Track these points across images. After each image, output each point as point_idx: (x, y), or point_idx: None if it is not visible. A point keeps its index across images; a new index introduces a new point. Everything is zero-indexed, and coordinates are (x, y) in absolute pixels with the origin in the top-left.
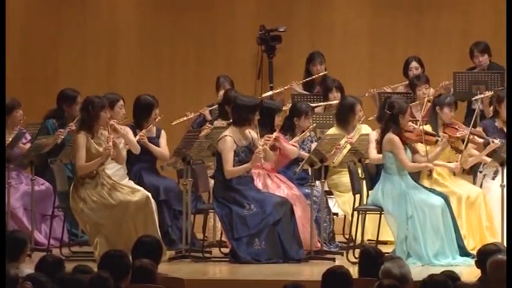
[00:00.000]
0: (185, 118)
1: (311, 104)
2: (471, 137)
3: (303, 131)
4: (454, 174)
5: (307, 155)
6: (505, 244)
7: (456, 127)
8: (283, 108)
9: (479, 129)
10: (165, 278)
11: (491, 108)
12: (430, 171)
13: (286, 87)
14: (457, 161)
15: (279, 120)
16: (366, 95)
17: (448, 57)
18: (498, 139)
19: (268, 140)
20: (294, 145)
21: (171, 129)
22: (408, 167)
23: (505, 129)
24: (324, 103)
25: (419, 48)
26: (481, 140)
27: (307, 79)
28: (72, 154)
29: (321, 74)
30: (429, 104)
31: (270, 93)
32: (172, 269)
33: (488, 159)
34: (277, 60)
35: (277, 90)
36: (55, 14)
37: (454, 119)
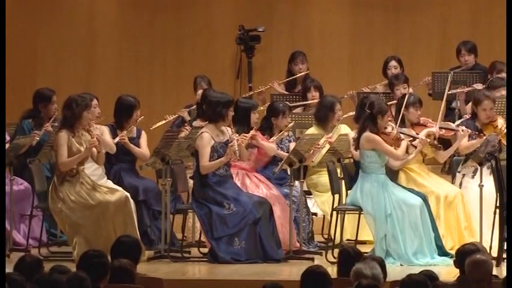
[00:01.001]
0: (164, 122)
1: (290, 104)
2: (441, 131)
3: (281, 131)
4: (435, 139)
5: (286, 154)
6: (483, 244)
7: (426, 124)
8: (262, 108)
9: (463, 127)
10: (144, 278)
11: (468, 106)
12: (434, 145)
13: (267, 87)
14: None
15: (255, 118)
16: (345, 96)
17: (427, 57)
18: (465, 127)
19: (244, 138)
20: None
21: (151, 130)
22: (397, 155)
23: (484, 131)
24: (303, 103)
25: (398, 47)
26: (452, 133)
27: (289, 78)
28: (51, 154)
29: (303, 73)
30: None
31: (250, 93)
32: (151, 269)
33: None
34: (256, 60)
35: (258, 90)
36: (33, 14)
37: (432, 119)
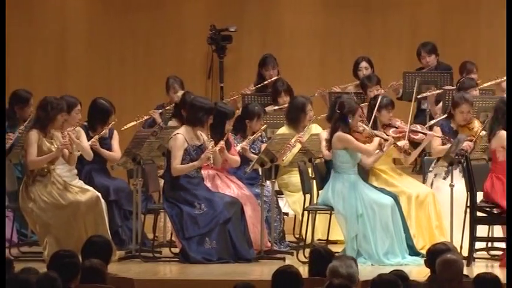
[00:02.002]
0: (135, 122)
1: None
2: (411, 134)
3: (254, 133)
4: (405, 152)
5: (256, 157)
6: (454, 243)
7: (396, 126)
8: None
9: (437, 129)
10: (115, 278)
11: (438, 107)
12: (403, 149)
13: (239, 95)
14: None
15: (229, 126)
16: (316, 94)
17: (397, 57)
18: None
19: (220, 146)
20: (244, 147)
21: (122, 131)
22: (369, 151)
23: (459, 132)
24: (274, 107)
25: (369, 48)
26: (421, 135)
27: (260, 85)
28: (22, 153)
29: (273, 78)
30: None
31: (224, 101)
32: (122, 269)
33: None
34: (227, 60)
35: (230, 99)
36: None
37: (403, 119)
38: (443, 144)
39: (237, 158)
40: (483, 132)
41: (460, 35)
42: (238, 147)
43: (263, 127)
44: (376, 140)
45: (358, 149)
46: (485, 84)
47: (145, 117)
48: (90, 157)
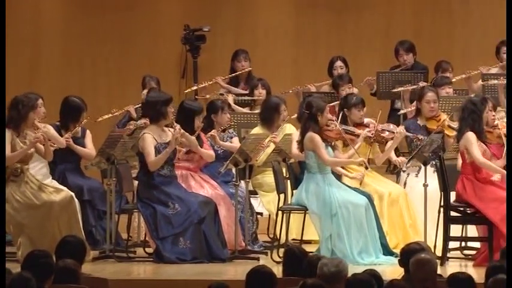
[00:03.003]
0: (110, 115)
1: (238, 97)
2: (382, 133)
3: (224, 129)
4: (367, 168)
5: (230, 145)
6: (428, 243)
7: (367, 125)
8: None
9: (401, 127)
10: (88, 278)
11: (413, 105)
12: (365, 164)
13: (210, 82)
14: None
15: (199, 122)
16: (291, 91)
17: (370, 57)
18: (402, 128)
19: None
20: (213, 135)
21: (96, 127)
22: (328, 162)
23: (428, 126)
24: (249, 98)
25: (342, 48)
26: (387, 134)
27: (232, 75)
28: None
29: (245, 70)
30: None
31: (194, 87)
32: (96, 269)
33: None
34: (201, 60)
35: (202, 85)
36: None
37: (379, 118)
38: (412, 141)
39: (211, 152)
40: (454, 133)
41: (434, 35)
42: (208, 136)
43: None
44: (342, 158)
45: (319, 155)
46: (457, 78)
47: (120, 111)
48: (62, 145)
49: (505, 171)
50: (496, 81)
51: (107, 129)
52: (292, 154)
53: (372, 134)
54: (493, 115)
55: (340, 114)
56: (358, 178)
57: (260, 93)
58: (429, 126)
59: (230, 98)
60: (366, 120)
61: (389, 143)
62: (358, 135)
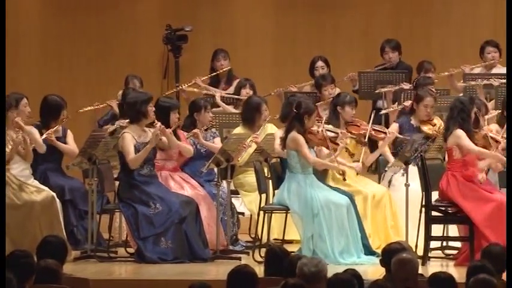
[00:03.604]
0: (92, 107)
1: (225, 95)
2: (373, 132)
3: (206, 129)
4: (357, 174)
5: (212, 145)
6: (409, 243)
7: (358, 124)
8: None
9: (395, 126)
10: (70, 278)
11: (394, 105)
12: (343, 174)
13: (190, 84)
14: (358, 161)
15: (175, 118)
16: (272, 94)
17: (350, 57)
18: (394, 125)
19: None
20: (196, 133)
21: (76, 125)
22: (311, 162)
23: (420, 127)
24: (236, 96)
25: (322, 47)
26: (383, 135)
27: (211, 74)
28: None
29: (225, 69)
30: None
31: (174, 90)
32: (78, 269)
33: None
34: (183, 60)
35: (182, 87)
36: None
37: (359, 118)
38: (402, 142)
39: (189, 147)
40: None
41: (413, 34)
42: (190, 133)
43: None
44: (325, 160)
45: (303, 155)
46: (441, 74)
47: (102, 105)
48: (42, 150)
49: (503, 157)
50: (473, 82)
51: (87, 126)
52: (275, 150)
53: (359, 137)
54: (482, 117)
55: (326, 117)
56: (357, 169)
57: (247, 93)
58: (422, 128)
59: (218, 96)
60: (355, 120)
61: (380, 143)
62: (337, 144)
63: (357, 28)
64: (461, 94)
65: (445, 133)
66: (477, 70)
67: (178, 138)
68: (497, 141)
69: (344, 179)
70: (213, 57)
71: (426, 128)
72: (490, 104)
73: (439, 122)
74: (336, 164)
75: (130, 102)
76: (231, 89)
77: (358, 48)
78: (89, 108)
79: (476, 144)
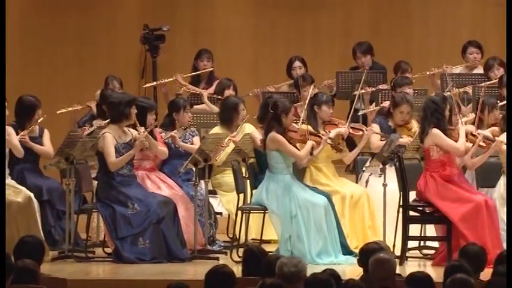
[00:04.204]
0: (70, 109)
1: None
2: (351, 130)
3: (185, 128)
4: (343, 138)
5: (190, 146)
6: (387, 243)
7: (336, 123)
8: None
9: (375, 126)
10: (47, 278)
11: (371, 106)
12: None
13: (170, 79)
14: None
15: (152, 118)
16: (250, 94)
17: (330, 56)
18: (374, 126)
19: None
20: (173, 135)
21: (54, 125)
22: (300, 156)
23: (398, 131)
24: (218, 96)
25: (301, 47)
26: (361, 132)
27: (193, 73)
28: None
29: (207, 69)
30: None
31: (153, 83)
32: (55, 269)
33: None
34: (161, 60)
35: (162, 82)
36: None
37: (337, 118)
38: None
39: (165, 149)
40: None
41: (392, 34)
42: (168, 135)
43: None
44: (309, 144)
45: (289, 153)
46: (419, 74)
47: (81, 106)
48: (20, 154)
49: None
50: (449, 93)
51: (67, 127)
52: (253, 139)
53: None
54: (457, 119)
55: (304, 114)
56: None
57: (231, 94)
58: (399, 132)
59: (205, 94)
60: (333, 119)
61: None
62: (320, 138)
63: (336, 28)
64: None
65: (421, 134)
66: (457, 70)
67: (155, 139)
68: (475, 136)
69: (340, 149)
70: (197, 57)
71: (402, 131)
72: (468, 108)
73: (415, 127)
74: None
75: (115, 103)
76: (211, 90)
77: (337, 48)
78: (68, 109)
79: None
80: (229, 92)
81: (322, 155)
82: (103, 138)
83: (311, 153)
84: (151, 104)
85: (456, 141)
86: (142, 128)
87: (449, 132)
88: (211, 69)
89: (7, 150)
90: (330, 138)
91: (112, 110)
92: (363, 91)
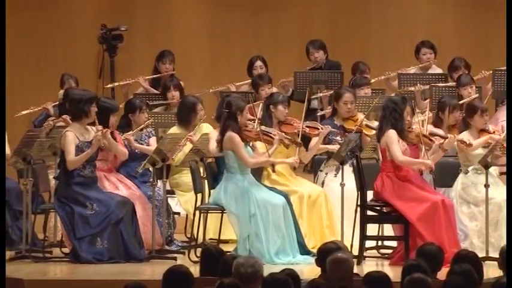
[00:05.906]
0: (27, 111)
1: (151, 103)
2: (306, 129)
3: (142, 129)
4: (295, 169)
5: (146, 148)
6: (344, 242)
7: (291, 123)
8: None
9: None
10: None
11: (330, 107)
12: (273, 166)
13: (133, 80)
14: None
15: (114, 120)
16: (210, 91)
17: (287, 57)
18: (329, 127)
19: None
20: (128, 138)
21: (11, 126)
22: (249, 163)
23: (345, 126)
24: (162, 102)
25: (259, 47)
26: (316, 131)
27: (155, 76)
28: None
29: (169, 73)
30: None
31: (115, 84)
32: (12, 269)
33: (331, 147)
34: (118, 60)
35: (123, 83)
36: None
37: (293, 117)
38: (331, 141)
39: (125, 150)
40: (372, 132)
41: (350, 34)
42: (123, 137)
43: (148, 121)
44: (263, 160)
45: (240, 157)
46: (376, 79)
47: (38, 108)
48: None
49: (428, 161)
50: (412, 88)
51: (23, 127)
52: (209, 150)
53: (294, 137)
54: (408, 120)
55: (260, 113)
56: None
57: (173, 95)
58: (346, 126)
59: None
60: (288, 118)
61: (313, 140)
62: (274, 137)
63: (294, 28)
64: (393, 94)
65: (378, 133)
66: (412, 71)
67: (115, 140)
68: (431, 140)
69: (273, 171)
70: (159, 58)
71: (350, 125)
72: (426, 102)
73: (361, 118)
74: (271, 158)
75: (75, 99)
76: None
77: (295, 48)
78: (25, 112)
79: (410, 143)
80: (171, 95)
81: (278, 155)
82: (64, 137)
83: (269, 154)
84: (115, 106)
85: (412, 143)
86: (100, 126)
87: (405, 133)
88: (173, 72)
89: None
90: (286, 138)
91: (72, 106)
92: (321, 94)
